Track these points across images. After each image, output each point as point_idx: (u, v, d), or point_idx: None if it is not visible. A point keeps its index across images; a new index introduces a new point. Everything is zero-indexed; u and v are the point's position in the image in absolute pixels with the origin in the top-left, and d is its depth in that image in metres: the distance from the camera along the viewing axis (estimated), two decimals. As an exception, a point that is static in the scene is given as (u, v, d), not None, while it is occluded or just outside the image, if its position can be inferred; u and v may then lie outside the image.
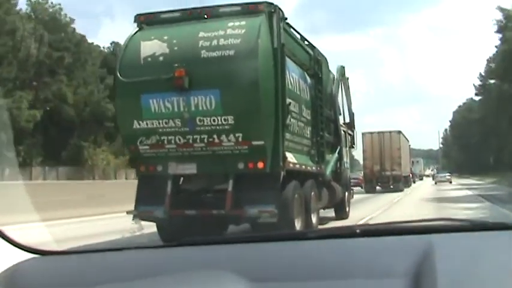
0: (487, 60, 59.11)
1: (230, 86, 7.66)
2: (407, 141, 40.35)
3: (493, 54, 55.57)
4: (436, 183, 48.56)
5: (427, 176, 79.19)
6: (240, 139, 7.77)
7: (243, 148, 7.82)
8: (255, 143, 7.79)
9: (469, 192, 27.30)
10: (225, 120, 7.70)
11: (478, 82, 61.54)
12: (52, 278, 1.69)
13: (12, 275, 1.69)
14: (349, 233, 1.82)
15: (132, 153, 8.51)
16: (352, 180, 19.71)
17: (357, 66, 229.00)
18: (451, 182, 47.37)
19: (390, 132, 33.03)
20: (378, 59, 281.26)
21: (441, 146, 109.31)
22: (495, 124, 53.94)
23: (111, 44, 54.22)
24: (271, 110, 7.92)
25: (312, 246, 1.76)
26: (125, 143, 8.91)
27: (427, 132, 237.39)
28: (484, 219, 7.27)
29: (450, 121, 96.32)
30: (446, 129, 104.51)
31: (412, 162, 49.69)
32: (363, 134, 30.73)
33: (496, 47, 54.20)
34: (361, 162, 36.20)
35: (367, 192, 30.72)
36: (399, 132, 33.73)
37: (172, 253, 1.88)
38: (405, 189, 32.81)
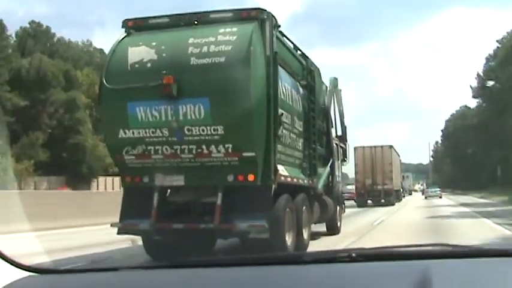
0: (486, 58, 55.67)
1: (220, 94, 7.38)
2: (398, 155, 40.51)
3: (494, 50, 52.89)
4: (426, 197, 48.86)
5: (416, 191, 79.33)
6: (230, 150, 7.49)
7: (233, 160, 7.54)
8: (245, 154, 7.50)
9: (497, 227, 13.98)
10: (214, 130, 7.41)
11: (475, 84, 56.91)
12: None
13: None
14: (346, 257, 1.80)
15: (117, 163, 8.21)
16: (345, 194, 19.49)
17: (349, 80, 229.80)
18: (440, 197, 47.52)
19: (382, 146, 33.25)
20: (369, 73, 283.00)
21: (431, 159, 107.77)
22: (498, 129, 47.07)
23: (29, 23, 50.47)
24: (262, 121, 7.65)
25: (308, 270, 1.74)
26: (110, 152, 8.62)
27: (417, 146, 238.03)
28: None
29: (442, 131, 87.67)
30: (437, 142, 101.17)
31: (403, 177, 49.79)
32: (355, 148, 30.92)
33: (497, 41, 51.75)
34: (351, 175, 36.22)
35: (358, 206, 30.70)
36: (391, 146, 34.01)
37: (165, 275, 1.90)
38: (396, 203, 32.79)
